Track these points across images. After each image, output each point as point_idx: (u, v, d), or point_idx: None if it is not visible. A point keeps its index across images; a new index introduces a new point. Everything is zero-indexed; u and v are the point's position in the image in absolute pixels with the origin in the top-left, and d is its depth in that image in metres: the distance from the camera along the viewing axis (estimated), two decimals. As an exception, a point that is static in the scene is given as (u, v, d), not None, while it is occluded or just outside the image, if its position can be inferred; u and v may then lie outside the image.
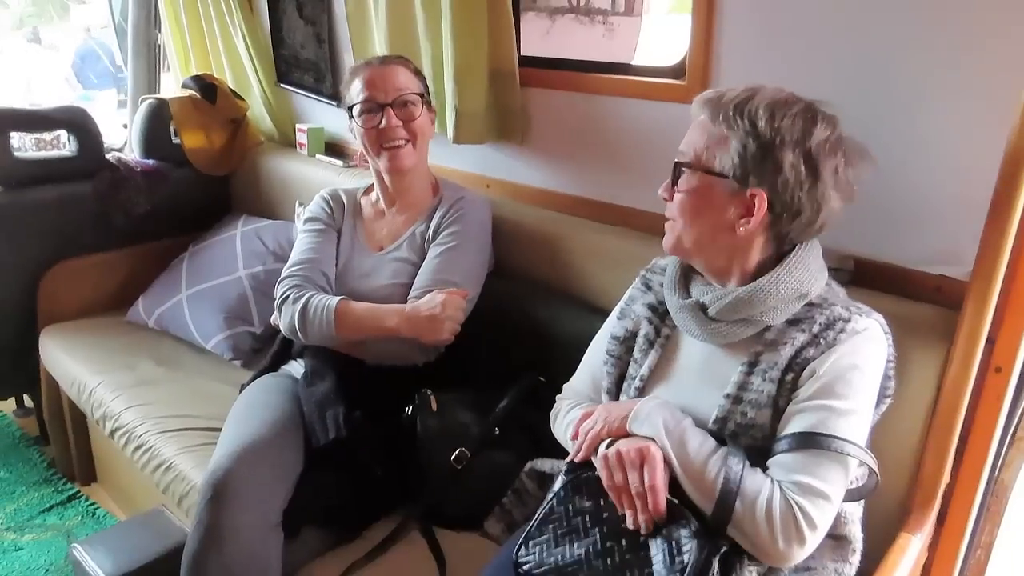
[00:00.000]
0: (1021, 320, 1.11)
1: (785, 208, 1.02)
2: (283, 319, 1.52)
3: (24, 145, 2.41)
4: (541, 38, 1.87)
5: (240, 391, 1.63)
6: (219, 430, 1.64)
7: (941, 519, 1.22)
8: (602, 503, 1.05)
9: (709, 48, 1.43)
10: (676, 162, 1.07)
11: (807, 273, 1.04)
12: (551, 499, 1.11)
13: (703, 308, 1.08)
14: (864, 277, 1.27)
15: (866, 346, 1.01)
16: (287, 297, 1.52)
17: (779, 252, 1.06)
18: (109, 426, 1.81)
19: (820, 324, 1.02)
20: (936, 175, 1.23)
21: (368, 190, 1.71)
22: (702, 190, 1.05)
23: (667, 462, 1.00)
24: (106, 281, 2.31)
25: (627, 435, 1.06)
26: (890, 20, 1.21)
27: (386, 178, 1.61)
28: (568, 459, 1.14)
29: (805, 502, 0.93)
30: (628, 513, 1.00)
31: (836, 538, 1.06)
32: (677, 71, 1.52)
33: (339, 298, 1.49)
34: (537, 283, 1.67)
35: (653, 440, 1.02)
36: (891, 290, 1.25)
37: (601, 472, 1.04)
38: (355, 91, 1.56)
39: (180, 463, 1.60)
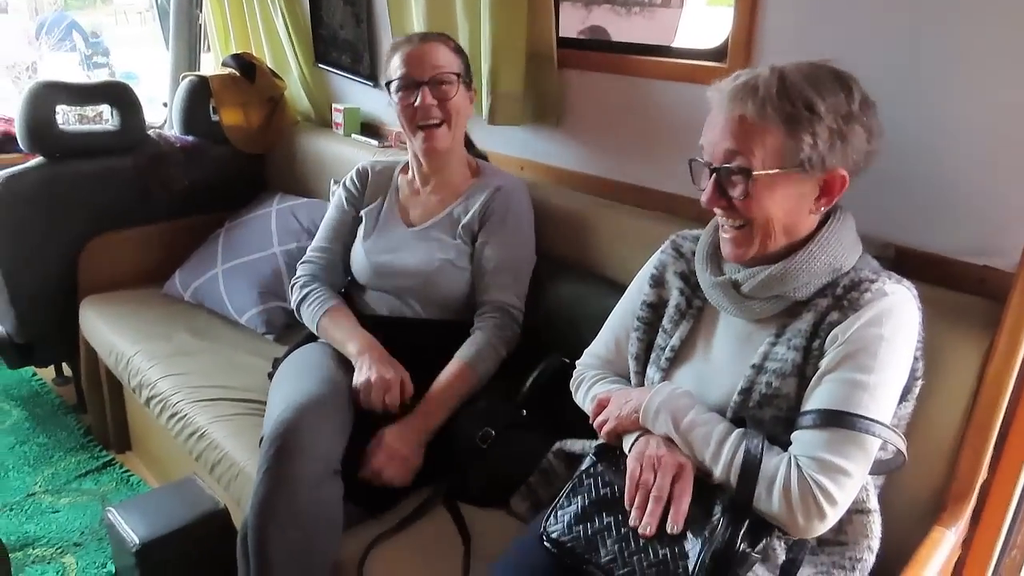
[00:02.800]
0: (1068, 314, 1.08)
1: (855, 174, 1.02)
2: (292, 299, 1.67)
3: (68, 119, 2.46)
4: (577, 27, 1.85)
5: (274, 364, 1.65)
6: (251, 401, 1.71)
7: (976, 516, 1.19)
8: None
9: (752, 31, 1.40)
10: (736, 168, 0.99)
11: (840, 247, 1.03)
12: (580, 472, 1.12)
13: (736, 285, 1.07)
14: (906, 266, 1.24)
15: (893, 314, 0.97)
16: (297, 283, 1.67)
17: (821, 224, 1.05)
18: (145, 394, 1.85)
19: (843, 286, 1.01)
20: (981, 163, 1.20)
21: (405, 168, 1.71)
22: (779, 187, 1.00)
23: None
24: (144, 254, 2.35)
25: (636, 428, 1.09)
26: (939, 2, 1.18)
27: (421, 158, 1.61)
28: (597, 443, 1.15)
29: (824, 478, 0.93)
30: (636, 512, 1.00)
31: (865, 512, 1.04)
32: (719, 53, 1.50)
33: (327, 308, 1.58)
34: (567, 263, 1.66)
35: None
36: (933, 280, 1.22)
37: (631, 463, 1.04)
38: (394, 67, 1.56)
39: (213, 431, 1.63)
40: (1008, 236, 1.15)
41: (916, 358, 1.03)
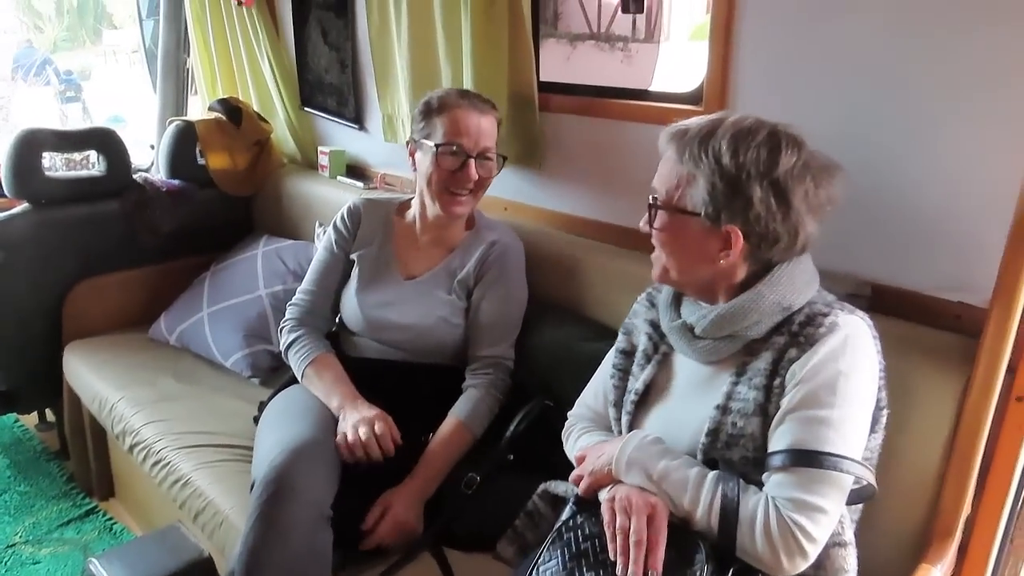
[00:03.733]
0: (1043, 349, 1.10)
1: (762, 239, 1.03)
2: (281, 342, 1.67)
3: (55, 164, 2.47)
4: (562, 64, 1.89)
5: (260, 408, 1.64)
6: (236, 447, 1.69)
7: (963, 551, 1.20)
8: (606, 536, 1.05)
9: (726, 75, 1.44)
10: (650, 201, 1.09)
11: (791, 287, 1.05)
12: (559, 525, 1.12)
13: (690, 328, 1.11)
14: (882, 303, 1.27)
15: (849, 347, 0.98)
16: (285, 326, 1.67)
17: (767, 268, 1.07)
18: (128, 441, 1.83)
19: (798, 323, 1.02)
20: (954, 201, 1.22)
21: (401, 209, 1.69)
22: (676, 228, 1.07)
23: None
24: (130, 298, 2.34)
25: (611, 482, 1.09)
26: (908, 48, 1.22)
27: (431, 216, 1.60)
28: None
29: (801, 518, 0.94)
30: (620, 559, 1.00)
31: (841, 544, 1.04)
32: (694, 97, 1.53)
33: (312, 359, 1.57)
34: (551, 305, 1.67)
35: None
36: (910, 317, 1.24)
37: (605, 512, 1.05)
38: (441, 126, 1.51)
39: (197, 479, 1.61)
40: (981, 272, 1.16)
41: (880, 387, 1.04)
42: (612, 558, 1.00)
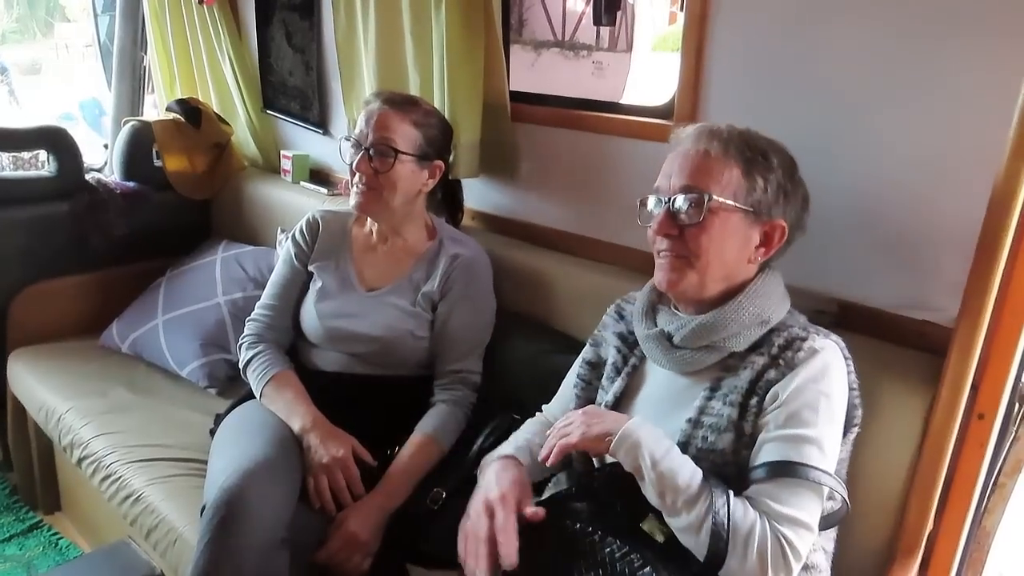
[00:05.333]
0: (1004, 366, 1.11)
1: (795, 234, 1.09)
2: (240, 359, 1.61)
3: (2, 164, 2.37)
4: (526, 71, 1.88)
5: (216, 420, 1.59)
6: (191, 460, 1.63)
7: (924, 566, 1.21)
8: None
9: (697, 90, 1.44)
10: (693, 198, 1.04)
11: (769, 301, 1.08)
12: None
13: (668, 337, 1.11)
14: (848, 321, 1.28)
15: (828, 370, 1.02)
16: (244, 343, 1.62)
17: (743, 286, 1.09)
18: (77, 454, 1.75)
19: (778, 346, 1.04)
20: (917, 221, 1.24)
21: (360, 219, 1.67)
22: (722, 224, 1.05)
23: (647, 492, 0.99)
24: (80, 304, 2.26)
25: (600, 452, 1.05)
26: (873, 66, 1.23)
27: (356, 211, 1.59)
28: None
29: (791, 534, 0.94)
30: (468, 562, 1.04)
31: (807, 568, 1.05)
32: (665, 111, 1.54)
33: (271, 376, 1.52)
34: (520, 318, 1.65)
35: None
36: (875, 334, 1.26)
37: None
38: (358, 119, 1.56)
39: (150, 494, 1.55)
40: (944, 292, 1.19)
41: (855, 405, 1.07)
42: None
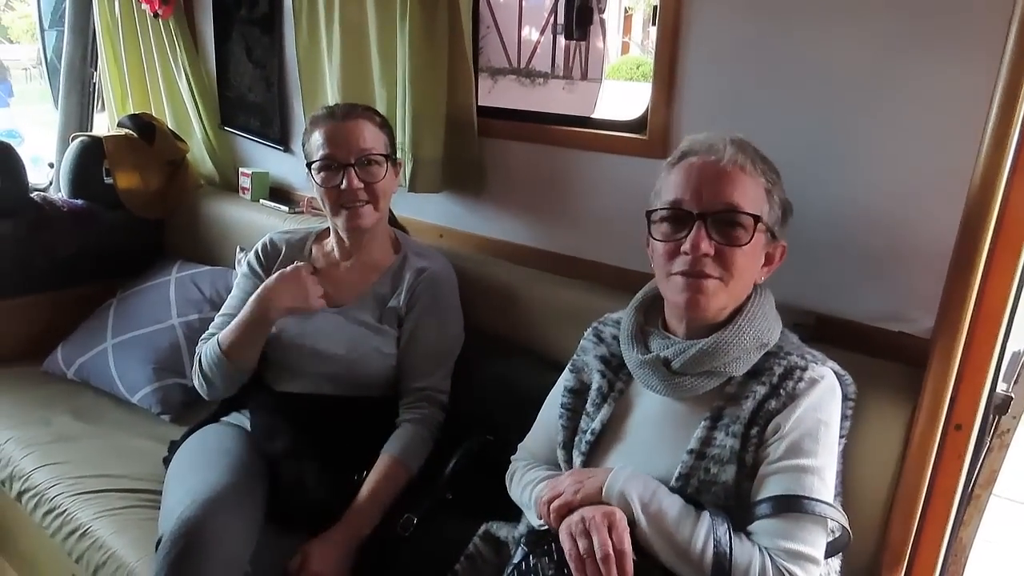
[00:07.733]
0: (981, 377, 1.12)
1: (785, 254, 1.08)
2: (194, 377, 1.52)
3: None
4: (483, 97, 1.87)
5: (171, 448, 1.51)
6: (144, 491, 1.55)
7: (906, 582, 1.20)
8: (565, 573, 0.98)
9: (671, 104, 1.45)
10: (746, 214, 0.99)
11: (765, 322, 1.06)
12: (511, 569, 1.05)
13: (666, 363, 1.05)
14: (825, 333, 1.28)
15: (827, 399, 1.02)
16: (195, 356, 1.54)
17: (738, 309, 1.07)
18: (16, 487, 1.64)
19: (778, 375, 1.02)
20: (893, 234, 1.25)
21: (319, 237, 1.63)
22: (757, 244, 1.03)
23: (643, 537, 0.95)
24: (22, 328, 2.14)
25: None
26: (847, 80, 1.25)
27: (344, 235, 1.53)
28: (523, 525, 1.09)
29: (796, 568, 0.93)
30: None
31: None
32: (637, 125, 1.53)
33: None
34: (492, 336, 1.61)
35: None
36: (853, 346, 1.25)
37: (564, 541, 0.97)
38: (315, 145, 1.48)
39: (97, 529, 1.46)
40: (921, 303, 1.19)
41: (846, 416, 1.07)
42: None
